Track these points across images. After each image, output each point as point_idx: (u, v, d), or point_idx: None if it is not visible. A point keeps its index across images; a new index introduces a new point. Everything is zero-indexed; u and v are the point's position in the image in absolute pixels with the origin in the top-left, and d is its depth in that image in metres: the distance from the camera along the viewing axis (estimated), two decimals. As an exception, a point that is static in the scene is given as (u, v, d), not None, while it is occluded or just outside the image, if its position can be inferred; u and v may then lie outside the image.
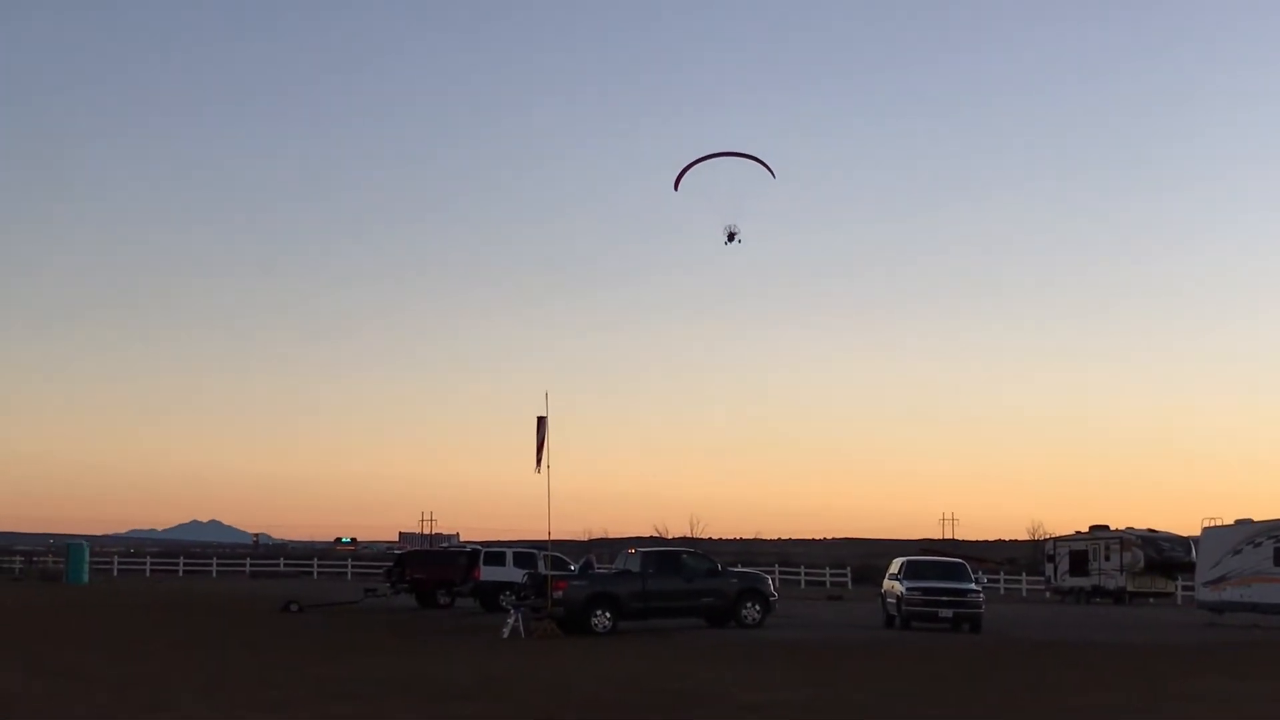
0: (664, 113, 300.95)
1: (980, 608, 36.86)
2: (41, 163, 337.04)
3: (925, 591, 36.99)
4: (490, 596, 45.64)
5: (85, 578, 72.75)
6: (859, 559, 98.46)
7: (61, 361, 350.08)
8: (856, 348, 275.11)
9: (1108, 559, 64.97)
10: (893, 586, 38.70)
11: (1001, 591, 74.82)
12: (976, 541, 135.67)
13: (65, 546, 78.50)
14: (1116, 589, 63.90)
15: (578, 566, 40.01)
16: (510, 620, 33.17)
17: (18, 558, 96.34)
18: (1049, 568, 70.93)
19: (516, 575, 42.02)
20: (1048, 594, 70.68)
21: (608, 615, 34.07)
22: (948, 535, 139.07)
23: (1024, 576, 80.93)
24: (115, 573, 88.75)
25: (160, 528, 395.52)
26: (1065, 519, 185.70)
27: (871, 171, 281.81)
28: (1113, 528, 66.38)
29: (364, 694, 19.39)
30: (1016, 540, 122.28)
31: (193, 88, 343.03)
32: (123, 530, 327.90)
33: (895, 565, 40.33)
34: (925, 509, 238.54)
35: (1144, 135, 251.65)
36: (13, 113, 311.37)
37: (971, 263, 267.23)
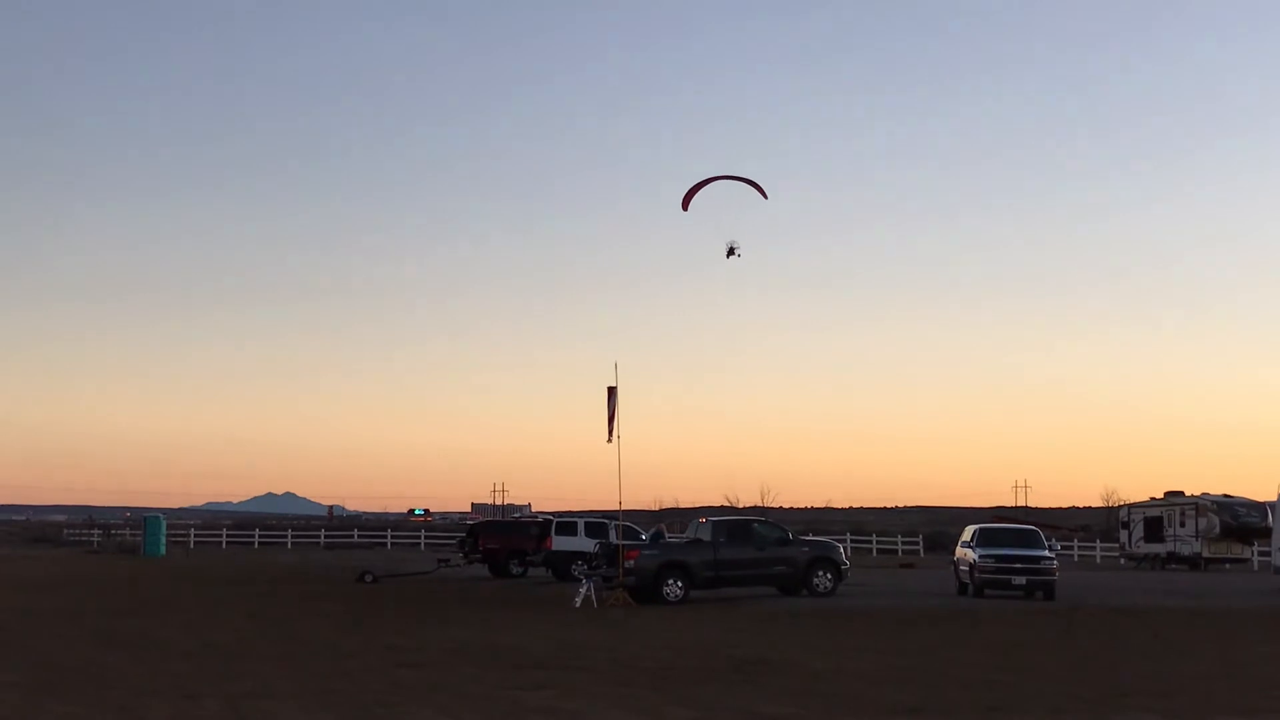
0: (729, 100, 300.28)
1: (1053, 575, 36.60)
2: (113, 149, 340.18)
3: (998, 559, 36.76)
4: (562, 566, 45.82)
5: (162, 550, 73.58)
6: (931, 527, 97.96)
7: (138, 339, 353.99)
8: (927, 315, 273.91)
9: (1183, 525, 64.33)
10: (965, 554, 38.50)
11: (1075, 559, 74.28)
12: (1050, 509, 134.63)
13: (142, 519, 79.33)
14: (1192, 555, 63.28)
15: (649, 536, 40.07)
16: (582, 589, 33.26)
17: (96, 530, 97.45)
18: (1123, 534, 70.31)
19: (588, 545, 42.16)
20: (1122, 561, 70.11)
21: (679, 584, 34.13)
22: (1020, 502, 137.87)
23: (1098, 543, 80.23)
24: (191, 545, 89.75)
25: (236, 500, 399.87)
26: (1140, 485, 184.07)
27: (941, 141, 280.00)
28: (1188, 493, 65.69)
29: (436, 662, 19.52)
30: (1090, 507, 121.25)
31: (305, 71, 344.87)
32: (200, 503, 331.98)
33: (968, 533, 40.11)
34: (998, 476, 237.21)
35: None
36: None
37: (1042, 229, 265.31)
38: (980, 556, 36.98)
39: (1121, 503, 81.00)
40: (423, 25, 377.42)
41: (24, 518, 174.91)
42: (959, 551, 39.94)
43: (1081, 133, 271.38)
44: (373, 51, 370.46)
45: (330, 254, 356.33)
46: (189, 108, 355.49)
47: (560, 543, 47.15)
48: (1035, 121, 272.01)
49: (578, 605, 32.25)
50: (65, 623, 26.96)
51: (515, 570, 50.18)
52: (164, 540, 75.18)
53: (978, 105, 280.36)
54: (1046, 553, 37.15)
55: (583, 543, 44.84)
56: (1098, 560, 75.77)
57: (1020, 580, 36.48)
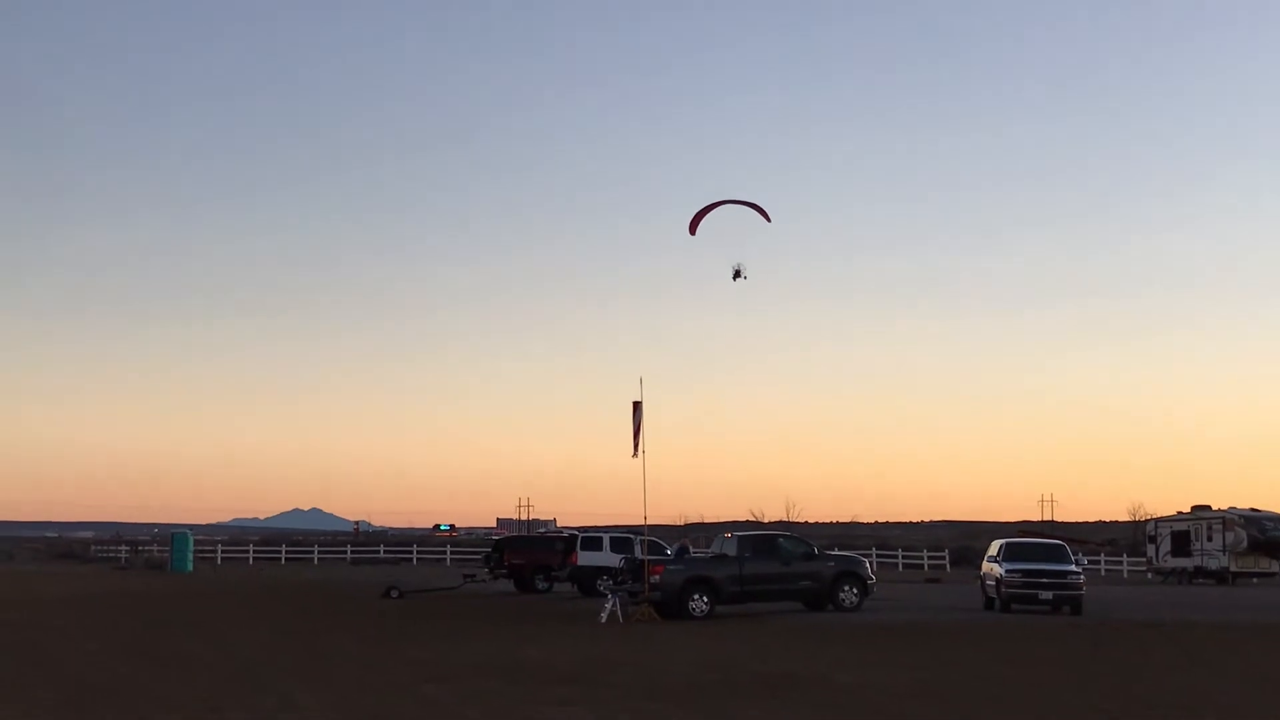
0: (755, 111, 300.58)
1: (1081, 589, 36.50)
2: (133, 159, 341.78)
3: (1025, 573, 36.67)
4: (587, 581, 45.83)
5: (189, 566, 73.78)
6: (957, 541, 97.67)
7: (165, 355, 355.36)
8: (954, 330, 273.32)
9: (1210, 539, 64.08)
10: (992, 569, 38.42)
11: (1102, 573, 74.03)
12: (1076, 523, 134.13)
13: (170, 535, 79.59)
14: (1219, 569, 63.03)
15: (673, 551, 40.04)
16: (608, 605, 33.27)
17: (124, 547, 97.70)
18: (1150, 548, 70.08)
19: (613, 560, 42.14)
20: (1149, 575, 69.86)
21: (705, 599, 34.12)
22: (1047, 517, 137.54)
23: (1125, 558, 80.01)
24: (219, 561, 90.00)
25: (263, 516, 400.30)
26: (1166, 499, 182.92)
27: (971, 158, 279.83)
28: (1215, 507, 65.43)
29: (462, 677, 19.54)
30: (1117, 521, 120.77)
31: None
32: (227, 519, 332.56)
33: (994, 547, 40.02)
34: (1024, 490, 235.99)
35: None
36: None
37: (1070, 245, 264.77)
38: (1007, 571, 36.89)
39: (1148, 517, 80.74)
40: (443, 36, 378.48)
41: (56, 534, 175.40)
42: (985, 566, 39.86)
43: (1104, 146, 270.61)
44: (399, 62, 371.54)
45: (357, 270, 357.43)
46: (207, 124, 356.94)
47: (585, 558, 47.16)
48: (1062, 137, 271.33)
49: (603, 620, 32.26)
50: (93, 639, 27.05)
51: (541, 585, 50.19)
52: (191, 556, 75.38)
53: (1009, 121, 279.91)
54: (1073, 567, 37.04)
55: (608, 558, 44.83)
56: (1125, 575, 75.58)
57: (1047, 595, 36.38)
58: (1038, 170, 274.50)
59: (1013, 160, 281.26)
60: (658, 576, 34.21)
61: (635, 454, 34.72)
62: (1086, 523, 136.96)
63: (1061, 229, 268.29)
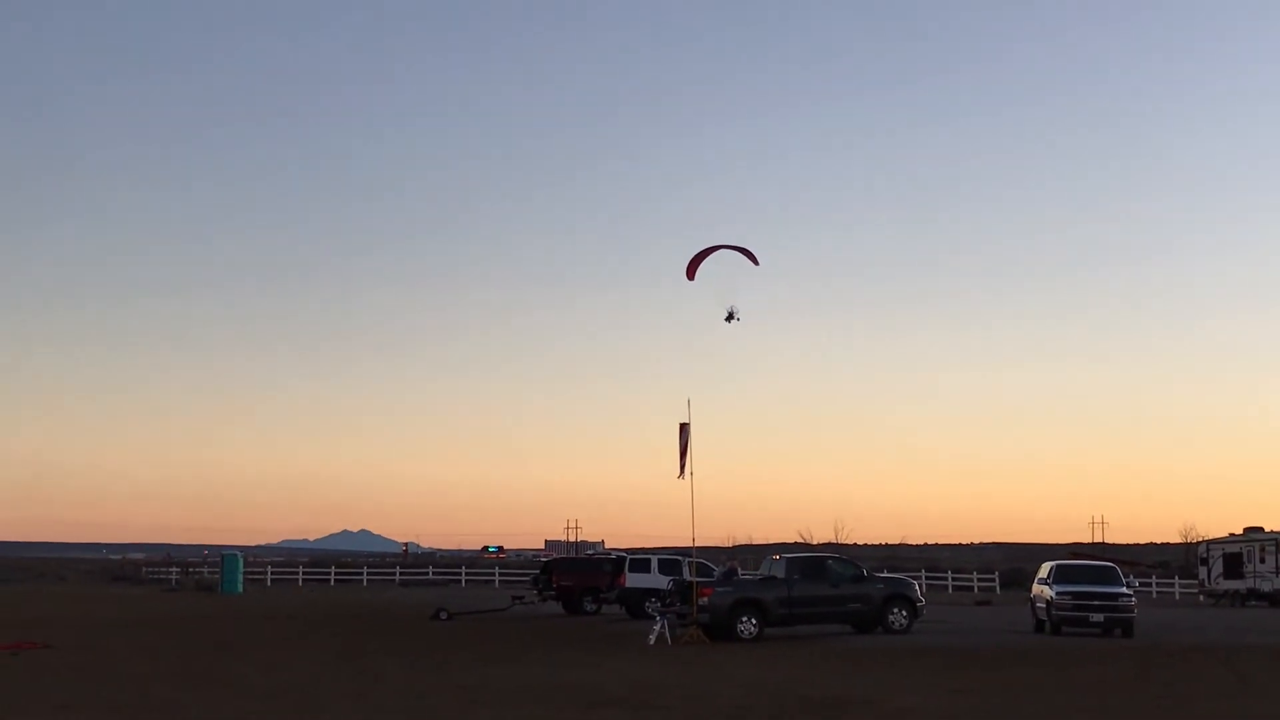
0: (808, 121, 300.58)
1: (1132, 612, 36.25)
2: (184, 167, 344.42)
3: (1075, 596, 36.45)
4: (636, 603, 45.82)
5: (240, 587, 74.07)
6: (1007, 563, 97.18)
7: (215, 377, 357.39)
8: (1004, 351, 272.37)
9: (1263, 561, 63.46)
10: (1042, 591, 38.20)
11: (1153, 595, 73.52)
12: (1127, 545, 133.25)
13: (220, 557, 79.98)
14: (1272, 591, 62.39)
15: (720, 573, 39.96)
16: (656, 627, 33.26)
17: (174, 568, 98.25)
18: (1202, 571, 69.50)
19: (662, 582, 42.12)
20: (1201, 597, 69.23)
21: (753, 622, 34.07)
22: (1097, 538, 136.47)
23: (1176, 580, 79.41)
24: (269, 582, 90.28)
25: (312, 538, 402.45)
26: (1219, 521, 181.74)
27: (1011, 176, 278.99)
28: (1268, 529, 64.88)
29: (510, 701, 19.57)
30: (1168, 543, 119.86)
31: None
32: (276, 540, 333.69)
33: (1044, 569, 39.77)
34: (1074, 512, 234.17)
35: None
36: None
37: (1121, 264, 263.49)
38: (1057, 593, 36.68)
39: (1200, 539, 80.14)
40: (485, 50, 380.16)
41: (117, 556, 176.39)
42: (1036, 588, 39.62)
43: (1132, 158, 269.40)
44: (443, 72, 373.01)
45: (405, 292, 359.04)
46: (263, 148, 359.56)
47: (634, 580, 47.16)
48: (1098, 145, 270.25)
49: (651, 643, 32.24)
50: (143, 661, 27.20)
51: (589, 607, 50.21)
52: (241, 578, 75.69)
53: (1051, 128, 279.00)
54: (1124, 589, 36.79)
55: (656, 579, 44.81)
56: (1176, 597, 74.98)
57: (1098, 617, 36.15)
58: (1093, 182, 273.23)
59: (1066, 173, 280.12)
60: (706, 599, 34.19)
61: (681, 475, 34.76)
62: (1138, 544, 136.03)
63: (1112, 244, 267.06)
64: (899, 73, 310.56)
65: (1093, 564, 42.82)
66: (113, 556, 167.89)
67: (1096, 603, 36.20)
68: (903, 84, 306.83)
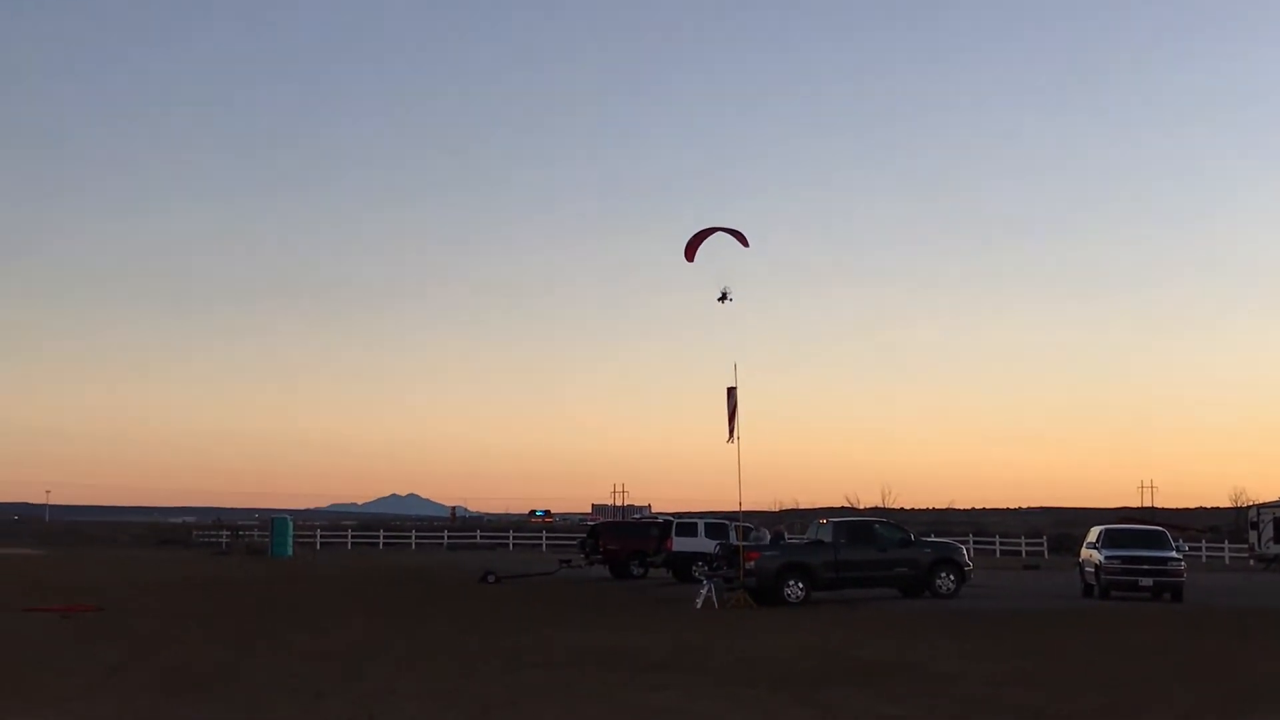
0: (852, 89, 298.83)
1: (1181, 576, 36.10)
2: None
3: (1125, 560, 36.30)
4: (683, 567, 45.86)
5: (289, 551, 74.55)
6: (1056, 528, 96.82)
7: (265, 344, 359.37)
8: (1051, 314, 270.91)
9: (1314, 525, 63.07)
10: (1091, 555, 38.06)
11: (1203, 560, 73.12)
12: (1177, 509, 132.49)
13: (270, 521, 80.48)
14: (1323, 556, 62.07)
15: (766, 537, 39.91)
16: (703, 591, 33.29)
17: (224, 532, 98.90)
18: (1252, 535, 69.06)
19: (708, 546, 42.14)
20: (1251, 562, 68.83)
21: (800, 585, 34.06)
22: (1147, 503, 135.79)
23: (1226, 544, 78.97)
24: (318, 546, 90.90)
25: (361, 501, 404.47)
26: (1269, 485, 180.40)
27: (1071, 146, 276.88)
28: (1319, 493, 64.44)
29: (559, 663, 19.61)
30: (1218, 507, 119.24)
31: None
32: (325, 504, 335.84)
33: (1093, 533, 39.62)
34: (1124, 476, 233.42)
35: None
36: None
37: (1168, 228, 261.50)
38: (1106, 558, 36.54)
39: (1250, 503, 79.66)
40: (545, 22, 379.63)
41: (193, 518, 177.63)
42: (1084, 553, 39.48)
43: (1174, 129, 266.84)
44: (501, 43, 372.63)
45: (456, 258, 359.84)
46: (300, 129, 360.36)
47: (681, 544, 47.20)
48: (1140, 116, 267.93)
49: (699, 606, 32.27)
50: (194, 624, 27.40)
51: (636, 571, 50.29)
52: (291, 541, 76.16)
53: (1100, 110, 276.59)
54: (1174, 554, 36.61)
55: (703, 544, 44.85)
56: (1226, 561, 74.59)
57: (1147, 582, 36.01)
58: (1147, 159, 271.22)
59: (1123, 149, 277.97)
60: (753, 563, 34.19)
61: (730, 439, 34.74)
62: (1187, 509, 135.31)
63: (1166, 217, 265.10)
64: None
65: (1142, 528, 42.65)
66: (173, 521, 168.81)
67: (1146, 567, 36.06)
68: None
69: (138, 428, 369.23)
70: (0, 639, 23.44)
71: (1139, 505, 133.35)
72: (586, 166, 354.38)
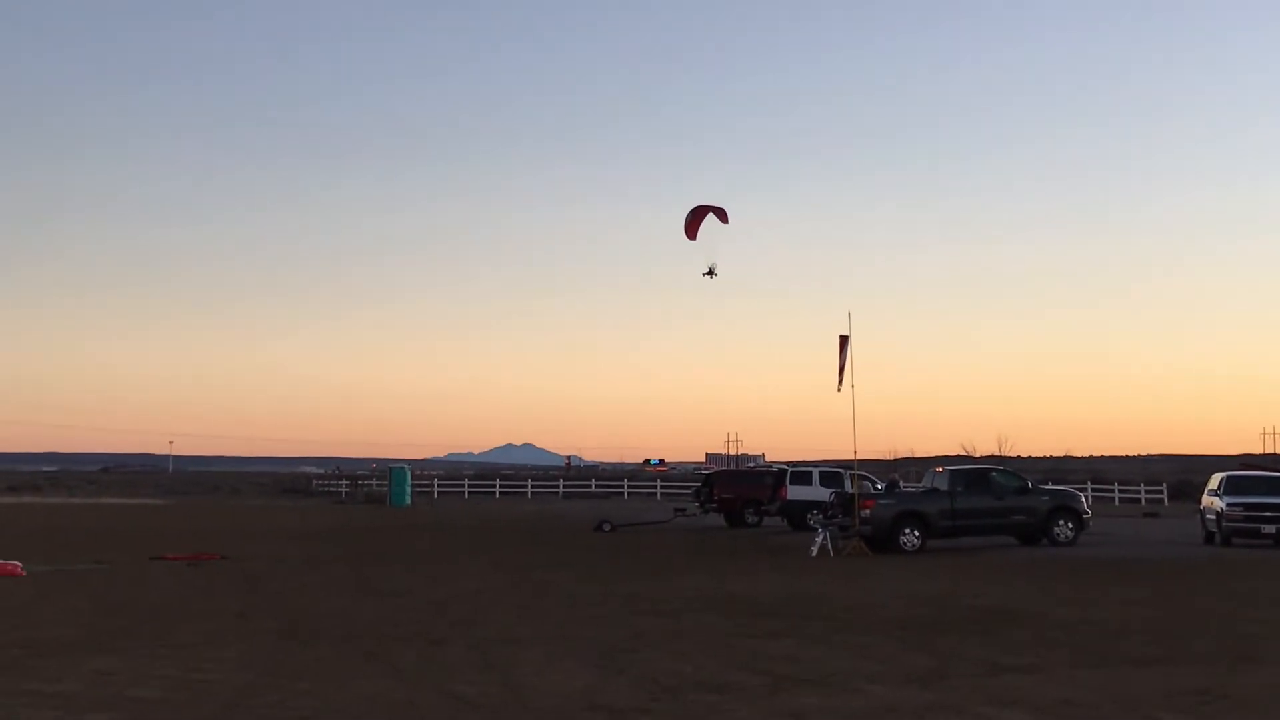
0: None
1: (1305, 524, 35.52)
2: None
3: (1247, 507, 35.80)
4: (797, 516, 45.82)
5: (407, 500, 75.45)
6: (1175, 475, 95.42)
7: (384, 299, 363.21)
8: (1169, 260, 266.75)
9: None
10: (1212, 503, 37.56)
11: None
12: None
13: (388, 470, 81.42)
14: None
15: (883, 485, 39.78)
16: (818, 539, 33.29)
17: (344, 481, 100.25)
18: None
19: (823, 494, 42.07)
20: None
21: (916, 534, 33.97)
22: (1270, 449, 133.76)
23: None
24: (435, 495, 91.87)
25: (477, 451, 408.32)
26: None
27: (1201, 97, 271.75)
28: None
29: (674, 611, 19.70)
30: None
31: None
32: (442, 454, 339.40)
33: (1215, 481, 39.06)
34: (1246, 422, 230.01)
35: None
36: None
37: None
38: (1228, 505, 36.05)
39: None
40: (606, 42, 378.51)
41: (305, 470, 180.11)
42: (1205, 500, 38.97)
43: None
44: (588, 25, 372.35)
45: (570, 215, 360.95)
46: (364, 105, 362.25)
47: (795, 492, 47.13)
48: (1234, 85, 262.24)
49: (814, 555, 32.30)
50: (315, 571, 27.87)
51: (750, 520, 50.34)
52: (409, 491, 77.05)
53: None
54: (1298, 501, 36.01)
55: (818, 492, 44.76)
56: (1353, 509, 73.12)
57: (1270, 529, 35.49)
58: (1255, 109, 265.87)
59: (1231, 99, 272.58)
60: (868, 511, 34.12)
61: (840, 388, 34.65)
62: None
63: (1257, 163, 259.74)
64: None
65: (1265, 475, 41.95)
66: (313, 470, 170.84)
67: (1269, 514, 35.53)
68: None
69: (260, 379, 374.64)
70: (128, 587, 23.99)
71: (1262, 451, 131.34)
72: (695, 111, 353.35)
